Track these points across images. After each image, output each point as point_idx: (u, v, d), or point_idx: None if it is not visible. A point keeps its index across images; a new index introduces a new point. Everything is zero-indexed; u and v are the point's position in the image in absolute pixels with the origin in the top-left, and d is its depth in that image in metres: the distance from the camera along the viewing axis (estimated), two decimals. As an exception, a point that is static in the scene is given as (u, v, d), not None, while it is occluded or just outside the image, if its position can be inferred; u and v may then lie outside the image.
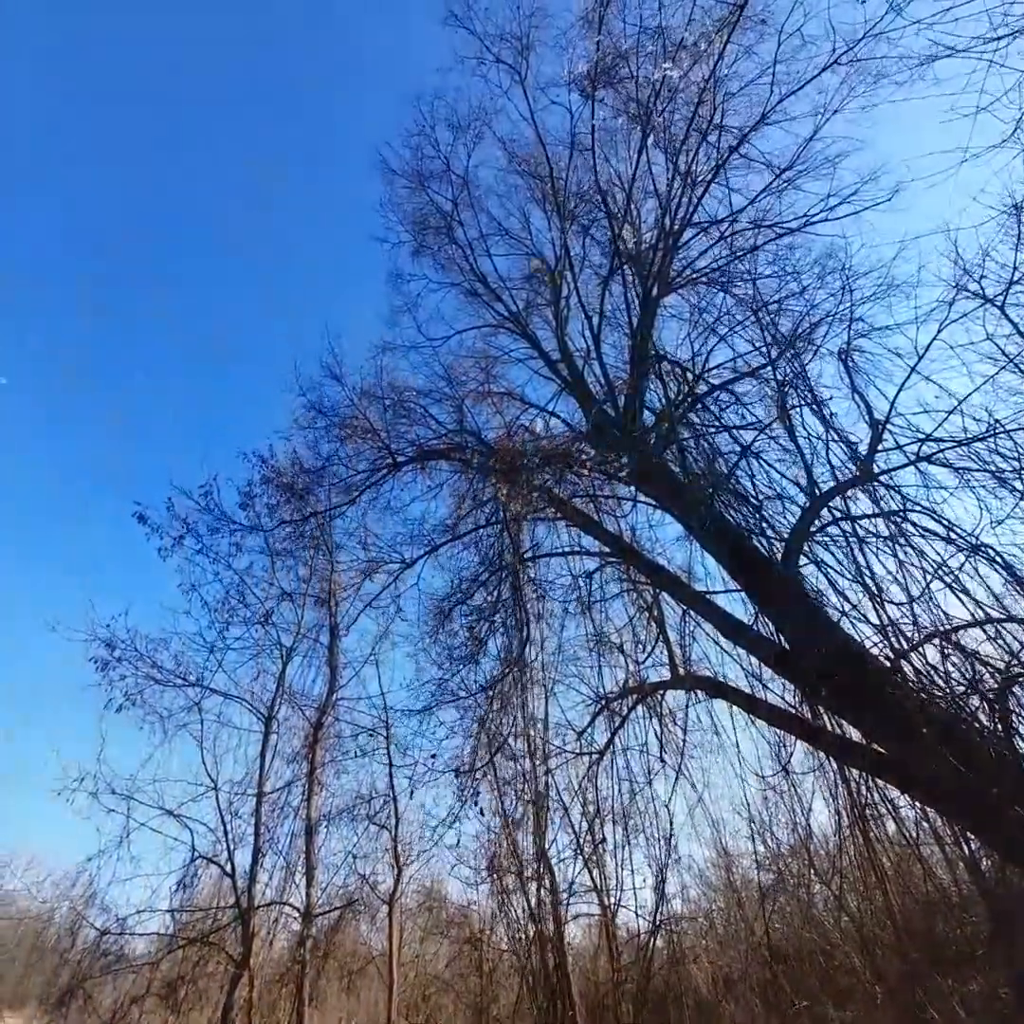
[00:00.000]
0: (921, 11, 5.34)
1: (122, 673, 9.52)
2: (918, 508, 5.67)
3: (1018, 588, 4.92)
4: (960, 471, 5.52)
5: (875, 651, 5.27)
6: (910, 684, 4.77)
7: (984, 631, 4.83)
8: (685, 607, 7.21)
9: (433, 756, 7.69)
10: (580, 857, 8.10)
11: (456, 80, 9.29)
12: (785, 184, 7.65)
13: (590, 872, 8.60)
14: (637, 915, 8.40)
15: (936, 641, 4.89)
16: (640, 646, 7.77)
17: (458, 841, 8.21)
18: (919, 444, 5.82)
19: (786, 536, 6.31)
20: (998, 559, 4.99)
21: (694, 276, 8.47)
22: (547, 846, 8.57)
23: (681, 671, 7.06)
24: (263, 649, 10.79)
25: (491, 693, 7.83)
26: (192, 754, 10.13)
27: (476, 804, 7.70)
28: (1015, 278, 5.54)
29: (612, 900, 8.43)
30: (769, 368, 7.13)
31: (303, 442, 8.89)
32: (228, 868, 9.71)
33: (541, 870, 8.55)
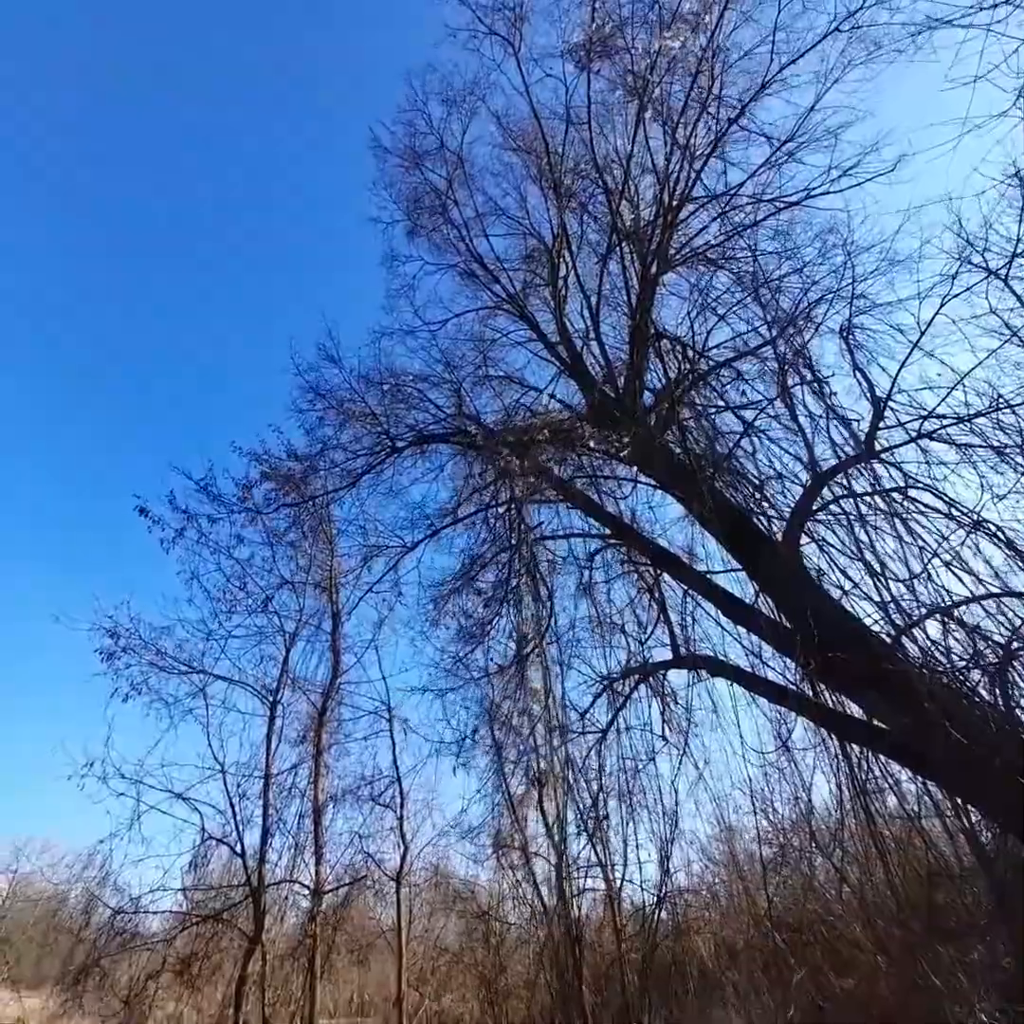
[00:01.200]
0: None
1: (127, 662, 9.61)
2: (919, 485, 5.65)
3: (1019, 563, 4.92)
4: (962, 447, 5.50)
5: (876, 628, 5.30)
6: (911, 660, 4.80)
7: (984, 607, 4.85)
8: (686, 587, 7.24)
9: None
10: (585, 833, 8.22)
11: (449, 53, 9.05)
12: (785, 156, 7.52)
13: (595, 847, 8.74)
14: (642, 889, 8.56)
15: (937, 617, 4.91)
16: (641, 627, 7.82)
17: (455, 812, 8.35)
18: (921, 421, 5.78)
19: (787, 515, 6.32)
20: (999, 534, 4.99)
21: (693, 253, 8.36)
22: (552, 822, 8.71)
23: (682, 651, 7.11)
24: (266, 636, 10.87)
25: (509, 672, 7.91)
26: (199, 739, 10.25)
27: (488, 783, 7.84)
28: (1019, 250, 5.45)
29: (617, 874, 8.58)
30: (770, 346, 7.07)
31: (300, 427, 8.85)
32: (238, 848, 9.88)
33: (557, 843, 8.69)
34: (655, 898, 8.00)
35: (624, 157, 8.22)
